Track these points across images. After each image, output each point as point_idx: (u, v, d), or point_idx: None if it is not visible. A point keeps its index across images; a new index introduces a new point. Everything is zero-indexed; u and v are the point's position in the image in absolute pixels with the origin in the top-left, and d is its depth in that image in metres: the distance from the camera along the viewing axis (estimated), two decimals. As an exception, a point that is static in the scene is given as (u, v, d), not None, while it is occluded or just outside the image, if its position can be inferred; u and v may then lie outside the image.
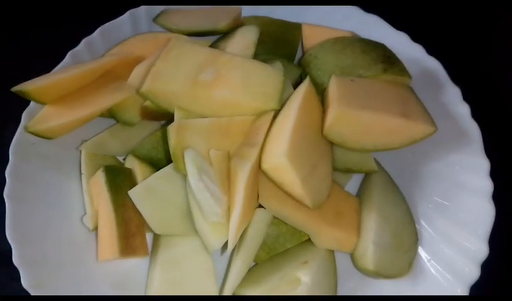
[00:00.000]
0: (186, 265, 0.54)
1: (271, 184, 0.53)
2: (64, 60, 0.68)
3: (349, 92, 0.56)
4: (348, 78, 0.59)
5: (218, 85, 0.56)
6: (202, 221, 0.51)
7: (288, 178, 0.51)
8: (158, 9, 0.75)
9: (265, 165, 0.52)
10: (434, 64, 0.68)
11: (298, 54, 0.73)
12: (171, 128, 0.52)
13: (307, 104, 0.56)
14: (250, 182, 0.51)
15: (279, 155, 0.50)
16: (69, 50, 0.70)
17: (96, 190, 0.57)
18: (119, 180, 0.57)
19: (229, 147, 0.55)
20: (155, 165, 0.61)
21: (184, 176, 0.53)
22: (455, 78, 0.66)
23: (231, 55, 0.58)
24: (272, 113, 0.56)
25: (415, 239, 0.57)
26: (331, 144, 0.57)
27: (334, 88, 0.56)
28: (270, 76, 0.57)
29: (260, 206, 0.54)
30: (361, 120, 0.54)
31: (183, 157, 0.50)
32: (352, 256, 0.56)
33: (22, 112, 0.63)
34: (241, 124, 0.56)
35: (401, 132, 0.56)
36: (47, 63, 0.69)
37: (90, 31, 0.72)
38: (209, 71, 0.57)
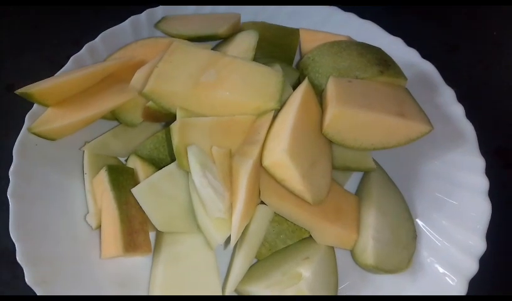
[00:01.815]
0: (189, 262, 0.54)
1: (272, 181, 0.54)
2: (67, 65, 0.70)
3: (346, 92, 0.57)
4: (345, 79, 0.60)
5: (219, 86, 0.57)
6: (205, 216, 0.51)
7: (289, 174, 0.52)
8: (159, 14, 0.76)
9: (266, 162, 0.53)
10: (428, 67, 0.70)
11: (296, 58, 0.75)
12: (174, 127, 0.53)
13: (306, 103, 0.57)
14: (251, 179, 0.52)
15: (280, 151, 0.51)
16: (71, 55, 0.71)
17: (100, 189, 0.58)
18: (122, 179, 0.57)
19: (230, 145, 0.56)
20: (157, 165, 0.62)
21: (187, 174, 0.54)
22: (449, 79, 0.68)
23: (232, 57, 0.60)
24: (273, 113, 0.58)
25: (413, 235, 0.58)
26: (330, 143, 0.59)
27: (331, 89, 0.58)
28: (270, 77, 0.59)
29: (262, 203, 0.55)
30: (358, 118, 0.56)
31: (186, 154, 0.51)
32: (352, 253, 0.57)
33: (24, 117, 0.64)
34: (242, 123, 0.57)
35: (398, 131, 0.57)
36: (50, 67, 0.70)
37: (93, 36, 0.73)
38: (210, 72, 0.58)
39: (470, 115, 0.65)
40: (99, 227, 0.58)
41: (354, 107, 0.55)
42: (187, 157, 0.51)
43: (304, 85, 0.59)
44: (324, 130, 0.56)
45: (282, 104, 0.59)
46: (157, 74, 0.57)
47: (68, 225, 0.58)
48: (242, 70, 0.59)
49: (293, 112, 0.55)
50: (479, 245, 0.55)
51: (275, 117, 0.58)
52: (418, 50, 0.71)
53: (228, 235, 0.50)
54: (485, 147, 0.62)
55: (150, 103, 0.60)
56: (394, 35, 0.74)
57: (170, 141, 0.54)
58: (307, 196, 0.52)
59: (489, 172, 0.60)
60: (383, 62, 0.63)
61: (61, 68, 0.70)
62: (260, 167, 0.54)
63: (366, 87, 0.60)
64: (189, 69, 0.58)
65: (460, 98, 0.66)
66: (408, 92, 0.63)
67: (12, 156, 0.60)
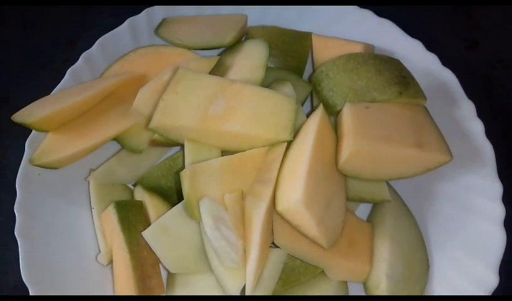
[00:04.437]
0: (204, 303, 0.54)
1: (285, 223, 0.53)
2: (64, 79, 0.65)
3: (364, 124, 0.54)
4: (363, 104, 0.57)
5: (228, 118, 0.54)
6: (218, 265, 0.51)
7: (304, 221, 0.50)
8: (158, 15, 0.70)
9: (280, 208, 0.51)
10: (448, 77, 0.66)
11: (308, 64, 0.70)
12: (184, 175, 0.50)
13: (321, 137, 0.54)
14: (265, 224, 0.51)
15: (294, 200, 0.49)
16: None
17: (109, 226, 0.57)
18: (131, 216, 0.56)
19: (243, 184, 0.54)
20: (166, 194, 0.60)
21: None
22: (469, 92, 0.64)
23: (242, 84, 0.56)
24: (285, 145, 0.55)
25: (426, 267, 0.58)
26: (345, 175, 0.57)
27: (348, 119, 0.55)
28: (282, 105, 0.55)
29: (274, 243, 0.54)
30: (376, 153, 0.53)
31: (197, 204, 0.50)
32: (364, 285, 0.58)
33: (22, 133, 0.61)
34: (253, 158, 0.55)
35: (416, 162, 0.55)
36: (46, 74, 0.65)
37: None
38: (219, 103, 0.55)
39: (487, 129, 0.61)
40: (111, 262, 0.57)
41: (372, 142, 0.53)
42: (198, 208, 0.50)
43: (319, 115, 0.55)
44: (339, 167, 0.54)
45: (295, 132, 0.56)
46: (162, 108, 0.54)
47: (80, 261, 0.58)
48: (252, 99, 0.55)
49: (308, 150, 0.52)
50: (490, 280, 0.54)
51: (288, 147, 0.55)
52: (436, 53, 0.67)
53: (243, 284, 0.50)
54: (503, 169, 0.60)
55: (156, 136, 0.57)
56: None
57: (176, 171, 0.51)
58: (322, 241, 0.51)
59: (507, 197, 0.58)
60: (402, 79, 0.59)
61: (57, 74, 0.66)
62: (273, 208, 0.53)
63: (383, 113, 0.57)
64: (196, 99, 0.55)
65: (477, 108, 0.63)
66: (427, 113, 0.59)
67: (12, 176, 0.59)
